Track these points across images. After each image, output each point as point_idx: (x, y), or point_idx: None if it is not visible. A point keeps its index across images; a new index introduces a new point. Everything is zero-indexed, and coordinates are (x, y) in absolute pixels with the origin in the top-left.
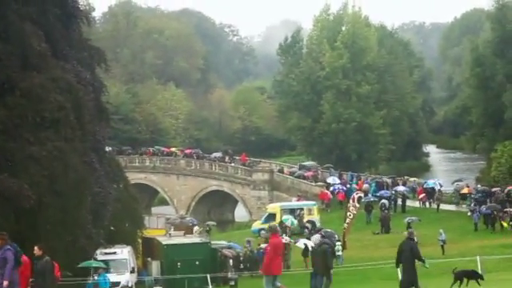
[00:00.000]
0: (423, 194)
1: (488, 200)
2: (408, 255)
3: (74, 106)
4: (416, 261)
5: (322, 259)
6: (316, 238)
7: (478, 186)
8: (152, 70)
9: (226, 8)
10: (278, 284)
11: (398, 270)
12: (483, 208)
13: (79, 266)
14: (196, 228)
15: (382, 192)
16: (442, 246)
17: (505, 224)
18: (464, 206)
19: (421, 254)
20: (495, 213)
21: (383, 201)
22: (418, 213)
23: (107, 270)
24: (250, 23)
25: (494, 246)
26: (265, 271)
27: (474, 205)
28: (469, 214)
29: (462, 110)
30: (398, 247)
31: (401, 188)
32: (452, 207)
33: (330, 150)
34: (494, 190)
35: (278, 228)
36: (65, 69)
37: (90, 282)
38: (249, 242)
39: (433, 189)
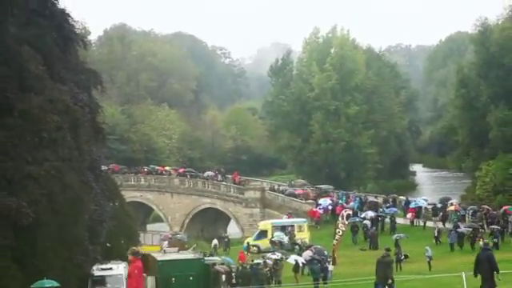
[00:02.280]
0: (411, 213)
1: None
2: (486, 265)
3: (71, 126)
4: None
5: (385, 269)
6: (307, 253)
7: (470, 206)
8: (146, 92)
9: (217, 31)
10: None
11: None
12: (462, 225)
13: (32, 286)
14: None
15: (368, 212)
16: (429, 262)
17: (490, 243)
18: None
19: (497, 264)
20: (473, 232)
21: (365, 221)
22: (406, 230)
23: None
24: (242, 46)
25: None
26: None
27: (453, 225)
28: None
29: (447, 129)
30: (475, 258)
31: (392, 209)
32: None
33: (320, 168)
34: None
35: (139, 251)
36: (62, 91)
37: None
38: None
39: (420, 207)
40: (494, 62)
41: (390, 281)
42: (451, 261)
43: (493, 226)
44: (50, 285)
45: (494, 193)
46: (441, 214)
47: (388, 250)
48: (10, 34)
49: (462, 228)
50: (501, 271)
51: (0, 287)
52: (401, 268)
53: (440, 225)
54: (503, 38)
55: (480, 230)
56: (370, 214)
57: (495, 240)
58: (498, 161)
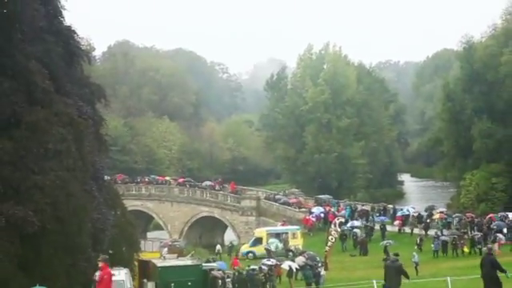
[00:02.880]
0: (399, 221)
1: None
2: (489, 269)
3: (76, 138)
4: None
5: (395, 274)
6: (300, 259)
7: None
8: (148, 105)
9: (216, 47)
10: None
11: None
12: (445, 232)
13: None
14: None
15: (354, 221)
16: (416, 267)
17: (466, 250)
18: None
19: (501, 266)
20: (456, 239)
21: (355, 230)
22: (394, 237)
23: None
24: (239, 61)
25: (463, 268)
26: None
27: (436, 232)
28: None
29: (434, 141)
30: (480, 262)
31: (381, 218)
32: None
33: (313, 178)
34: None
35: (108, 258)
36: (67, 104)
37: None
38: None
39: (407, 215)
40: (478, 77)
41: (400, 283)
42: (436, 266)
43: (475, 233)
44: None
45: (477, 201)
46: (424, 222)
47: (397, 254)
48: (19, 50)
49: (446, 235)
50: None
51: None
52: None
53: (423, 232)
54: (486, 55)
55: (464, 236)
56: (357, 223)
57: (479, 246)
58: (481, 171)
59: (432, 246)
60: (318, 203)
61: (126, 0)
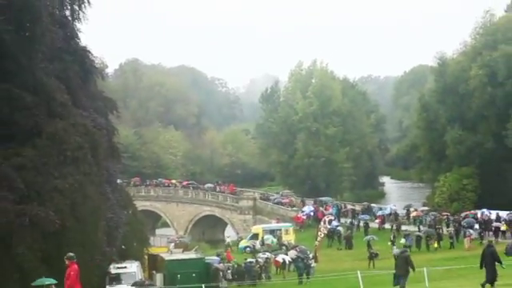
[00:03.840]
0: (379, 219)
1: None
2: (489, 259)
3: (91, 146)
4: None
5: (404, 264)
6: (292, 253)
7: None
8: (155, 116)
9: (216, 64)
10: None
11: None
12: (421, 228)
13: (33, 284)
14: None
15: (333, 222)
16: (395, 259)
17: (435, 245)
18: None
19: (500, 257)
20: (430, 235)
21: (338, 229)
22: (376, 233)
23: (57, 286)
24: (236, 77)
25: (438, 259)
26: None
27: (418, 227)
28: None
29: (411, 147)
30: (481, 253)
31: (364, 216)
32: (403, 227)
33: (303, 180)
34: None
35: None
36: (83, 116)
37: None
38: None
39: (389, 214)
40: (450, 90)
41: (408, 271)
42: (413, 258)
43: (449, 229)
44: (49, 282)
45: (450, 200)
46: (397, 220)
47: (406, 246)
48: (40, 68)
49: (421, 231)
50: (455, 266)
51: (31, 285)
52: (374, 264)
53: (395, 227)
54: (458, 70)
55: (439, 231)
56: (335, 223)
57: (451, 241)
58: (453, 173)
59: (403, 240)
60: (320, 204)
61: (134, 21)
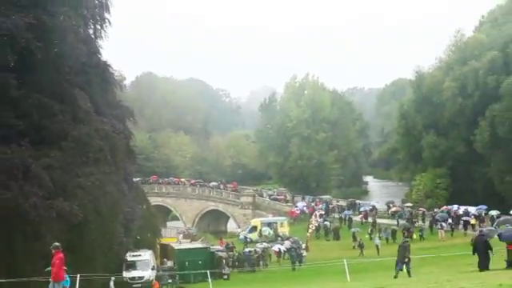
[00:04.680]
0: (362, 215)
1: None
2: (481, 247)
3: (110, 148)
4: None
5: (403, 252)
6: (287, 243)
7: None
8: (167, 122)
9: (220, 76)
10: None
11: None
12: (400, 222)
13: (46, 270)
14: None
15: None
16: (377, 249)
17: (414, 236)
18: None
19: (490, 245)
20: (407, 227)
21: (326, 223)
22: (359, 226)
23: (67, 272)
24: (239, 88)
25: (416, 249)
26: (56, 279)
27: (409, 220)
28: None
29: (391, 150)
30: (474, 241)
31: (348, 212)
32: (384, 221)
33: (296, 179)
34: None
35: (59, 245)
36: (103, 122)
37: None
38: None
39: (371, 209)
40: (426, 100)
41: (407, 259)
42: (391, 248)
43: (419, 223)
44: None
45: (425, 197)
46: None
47: (406, 237)
48: (66, 80)
49: (399, 225)
50: (430, 255)
51: (44, 270)
52: (363, 253)
53: (371, 221)
54: (433, 83)
55: (415, 224)
56: (319, 220)
57: (420, 234)
58: (428, 173)
59: (378, 234)
60: (320, 202)
61: (150, 38)
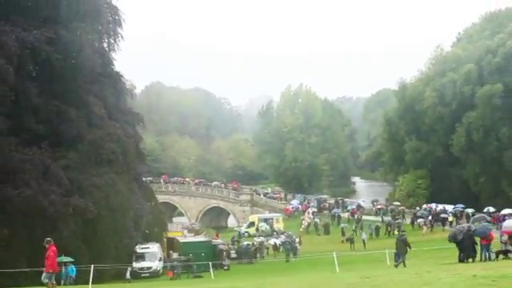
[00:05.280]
0: (349, 213)
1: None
2: (468, 241)
3: (122, 151)
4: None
5: (403, 244)
6: (282, 237)
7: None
8: (173, 128)
9: (222, 86)
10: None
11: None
12: (385, 218)
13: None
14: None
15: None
16: (364, 243)
17: (396, 232)
18: (378, 217)
19: (475, 239)
20: (390, 224)
21: (316, 220)
22: (346, 222)
23: (73, 263)
24: (239, 96)
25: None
26: (51, 270)
27: (394, 216)
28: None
29: (376, 154)
30: (461, 237)
31: (337, 210)
32: (370, 217)
33: (291, 180)
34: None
35: (51, 239)
36: (116, 127)
37: (62, 270)
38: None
39: (358, 207)
40: (409, 108)
41: (407, 250)
42: (377, 242)
43: (399, 220)
44: (66, 259)
45: (407, 196)
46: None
47: (403, 231)
48: (82, 89)
49: (383, 221)
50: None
51: (74, 262)
52: (353, 247)
53: (352, 217)
54: (415, 93)
55: (398, 221)
56: (311, 216)
57: (388, 229)
58: (410, 175)
59: (363, 230)
60: (319, 200)
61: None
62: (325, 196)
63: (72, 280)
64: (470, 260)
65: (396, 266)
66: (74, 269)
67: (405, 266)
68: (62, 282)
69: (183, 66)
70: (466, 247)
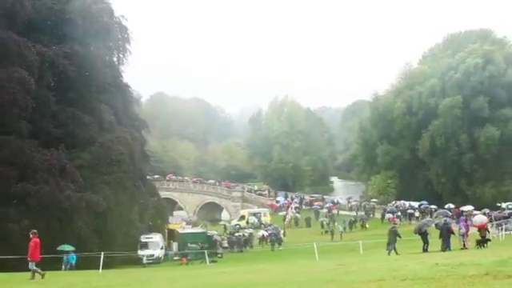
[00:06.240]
0: (327, 209)
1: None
2: (446, 233)
3: (129, 152)
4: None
5: (393, 235)
6: (268, 229)
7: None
8: (174, 132)
9: (218, 95)
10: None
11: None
12: (358, 213)
13: (58, 248)
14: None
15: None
16: (341, 235)
17: (367, 226)
18: (353, 212)
19: (453, 231)
20: (363, 218)
21: (296, 215)
22: (325, 216)
23: (74, 251)
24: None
25: (371, 235)
26: (31, 258)
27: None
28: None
29: (352, 157)
30: (439, 227)
31: (317, 206)
32: (345, 212)
33: (277, 179)
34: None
35: (36, 231)
36: (124, 131)
37: (64, 257)
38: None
39: (335, 203)
40: (381, 117)
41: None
42: (350, 235)
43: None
44: (68, 248)
45: (378, 194)
46: (347, 206)
47: (395, 223)
48: (94, 97)
49: (358, 216)
50: (382, 240)
51: (86, 249)
52: (333, 238)
53: (329, 213)
54: (387, 103)
55: (370, 216)
56: (294, 211)
57: (361, 223)
58: (381, 175)
59: (337, 224)
60: (312, 200)
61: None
62: (318, 195)
63: (72, 266)
64: (448, 249)
65: (388, 254)
66: (75, 256)
67: (397, 253)
68: (63, 267)
69: (183, 78)
70: (444, 238)
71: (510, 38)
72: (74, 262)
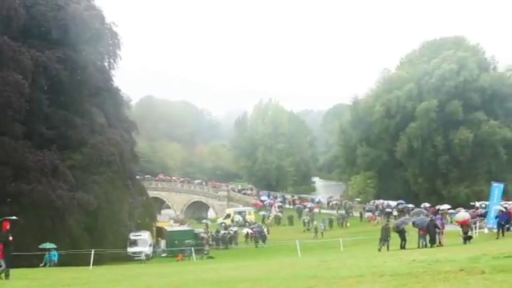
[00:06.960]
0: (309, 208)
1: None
2: (432, 227)
3: (119, 153)
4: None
5: (387, 232)
6: (253, 227)
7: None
8: (163, 134)
9: (205, 99)
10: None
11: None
12: (338, 212)
13: (40, 246)
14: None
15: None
16: (322, 233)
17: (348, 224)
18: (333, 211)
19: (438, 226)
20: (344, 217)
21: (278, 214)
22: (306, 214)
23: (56, 249)
24: (218, 108)
25: (351, 233)
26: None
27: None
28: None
29: (333, 158)
30: (426, 225)
31: (300, 205)
32: (327, 211)
33: (261, 179)
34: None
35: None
36: (114, 133)
37: (46, 255)
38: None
39: (317, 202)
40: (360, 120)
41: (389, 238)
42: (330, 233)
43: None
44: (50, 246)
45: (358, 193)
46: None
47: (388, 221)
48: (86, 101)
49: (339, 214)
50: (361, 237)
51: (77, 246)
52: (316, 235)
53: (310, 212)
54: (366, 107)
55: (350, 214)
56: (277, 210)
57: (338, 222)
58: (361, 175)
59: (315, 223)
60: (302, 199)
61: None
62: (311, 196)
63: (53, 263)
64: (435, 245)
65: (379, 250)
66: (56, 254)
67: (388, 249)
68: (47, 264)
69: (171, 81)
70: (430, 233)
71: (483, 45)
72: (55, 259)
